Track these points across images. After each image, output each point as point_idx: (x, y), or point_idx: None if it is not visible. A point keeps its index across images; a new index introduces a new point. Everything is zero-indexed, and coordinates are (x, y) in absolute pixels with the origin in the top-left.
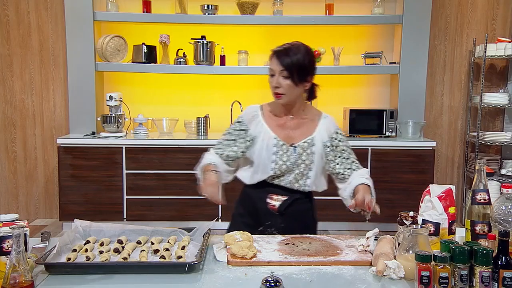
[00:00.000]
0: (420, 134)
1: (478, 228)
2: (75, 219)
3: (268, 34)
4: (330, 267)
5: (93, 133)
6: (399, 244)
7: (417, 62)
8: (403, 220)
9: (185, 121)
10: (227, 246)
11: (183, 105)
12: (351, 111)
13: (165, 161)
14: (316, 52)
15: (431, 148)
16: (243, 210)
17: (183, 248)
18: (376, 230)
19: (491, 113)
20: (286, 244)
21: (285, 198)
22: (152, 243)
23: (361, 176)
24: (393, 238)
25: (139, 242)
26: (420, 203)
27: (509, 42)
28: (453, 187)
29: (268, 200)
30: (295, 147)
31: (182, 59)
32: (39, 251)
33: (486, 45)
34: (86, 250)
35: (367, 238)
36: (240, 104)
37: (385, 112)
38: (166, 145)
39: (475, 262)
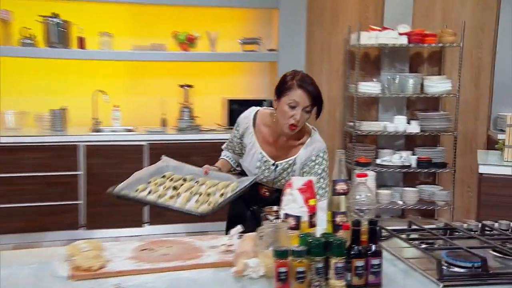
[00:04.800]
0: None
1: (338, 219)
2: (163, 156)
3: (135, 15)
4: (188, 272)
5: None
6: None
7: (295, 49)
8: (267, 215)
9: (36, 115)
10: (71, 258)
11: (33, 96)
12: (230, 101)
13: (11, 163)
14: (190, 37)
15: None
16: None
17: (221, 195)
18: (239, 227)
19: (366, 103)
20: (143, 250)
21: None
22: (206, 186)
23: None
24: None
25: (197, 182)
26: (282, 197)
27: (380, 30)
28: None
29: (260, 189)
30: (276, 165)
31: (29, 40)
32: None
33: (359, 34)
34: (156, 184)
35: (230, 237)
36: (104, 94)
37: (264, 102)
38: (12, 144)
39: (330, 253)
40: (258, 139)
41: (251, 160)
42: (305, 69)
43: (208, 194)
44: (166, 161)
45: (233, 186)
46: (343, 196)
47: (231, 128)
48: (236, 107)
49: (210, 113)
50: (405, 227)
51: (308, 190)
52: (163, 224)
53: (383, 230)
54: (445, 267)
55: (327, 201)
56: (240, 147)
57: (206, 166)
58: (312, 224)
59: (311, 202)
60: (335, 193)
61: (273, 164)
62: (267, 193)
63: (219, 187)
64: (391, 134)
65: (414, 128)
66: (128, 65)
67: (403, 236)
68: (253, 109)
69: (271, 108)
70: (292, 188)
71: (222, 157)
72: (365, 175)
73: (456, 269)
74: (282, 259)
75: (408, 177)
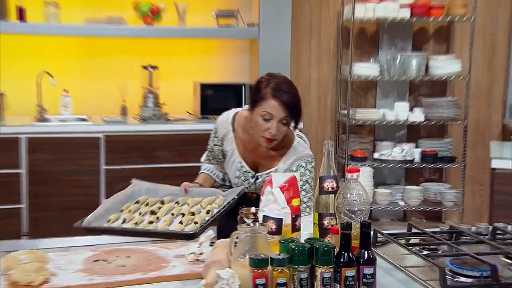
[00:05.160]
0: None
1: (326, 221)
2: (133, 179)
3: None
4: (150, 286)
5: None
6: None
7: (279, 24)
8: (244, 218)
9: None
10: (7, 272)
11: None
12: (203, 86)
13: None
14: (155, 9)
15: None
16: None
17: (207, 212)
18: (211, 233)
19: (362, 87)
20: (96, 261)
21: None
22: (188, 205)
23: None
24: None
25: (177, 203)
26: (261, 196)
27: (378, 2)
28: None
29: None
30: (257, 178)
31: None
32: None
33: (354, 6)
34: (130, 211)
35: (200, 244)
36: (51, 76)
37: (243, 86)
38: None
39: (316, 262)
40: (238, 145)
41: (231, 168)
42: (290, 48)
43: (193, 214)
44: (137, 184)
45: (220, 200)
46: (332, 195)
47: (205, 118)
48: (210, 93)
49: (179, 100)
50: (404, 231)
51: (291, 189)
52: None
53: (378, 235)
54: (449, 277)
55: (313, 205)
56: (223, 153)
57: (184, 183)
58: (295, 228)
59: (295, 202)
60: (322, 191)
61: (253, 176)
62: (254, 194)
63: (203, 204)
64: (391, 123)
65: (417, 116)
66: (79, 42)
67: (402, 241)
68: (231, 112)
69: None
70: (273, 186)
71: (202, 171)
72: (357, 170)
73: (462, 279)
74: (260, 269)
75: (411, 174)
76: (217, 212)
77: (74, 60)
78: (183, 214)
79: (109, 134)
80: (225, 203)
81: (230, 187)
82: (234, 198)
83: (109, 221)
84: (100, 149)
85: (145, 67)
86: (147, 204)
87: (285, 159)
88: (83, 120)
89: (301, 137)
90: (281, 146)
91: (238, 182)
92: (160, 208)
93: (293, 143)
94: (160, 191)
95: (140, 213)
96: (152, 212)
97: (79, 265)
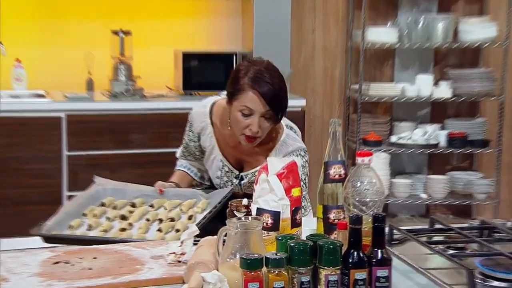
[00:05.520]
0: None
1: (332, 215)
2: (95, 176)
3: None
4: None
5: None
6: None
7: None
8: (234, 211)
9: None
10: None
11: None
12: (186, 55)
13: None
14: None
15: (299, 109)
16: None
17: (190, 218)
18: (194, 229)
19: (378, 57)
20: (56, 263)
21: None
22: (165, 208)
23: None
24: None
25: (152, 206)
26: (254, 185)
27: None
28: None
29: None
30: (241, 178)
31: None
32: None
33: None
34: (95, 216)
35: (182, 242)
36: None
37: (235, 56)
38: None
39: (320, 262)
40: (218, 141)
41: (211, 166)
42: (291, 8)
43: (172, 219)
44: (100, 183)
45: (202, 204)
46: (339, 184)
47: (188, 95)
48: (194, 64)
49: (157, 73)
50: (426, 227)
51: (290, 176)
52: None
53: (394, 231)
54: (479, 281)
55: (309, 205)
56: (200, 149)
57: (159, 183)
58: (295, 223)
59: (295, 192)
60: (327, 179)
61: (237, 176)
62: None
63: (183, 208)
64: (412, 100)
65: (444, 91)
66: (34, 1)
67: (423, 238)
68: (208, 101)
69: None
70: (268, 173)
71: (178, 167)
72: (369, 154)
73: (495, 283)
74: (254, 271)
75: (435, 161)
76: (206, 216)
77: (29, 22)
78: (161, 220)
79: (72, 114)
80: (209, 206)
81: (211, 185)
82: (221, 201)
83: (71, 227)
84: (62, 132)
85: (115, 32)
86: (114, 207)
87: (274, 155)
88: (41, 96)
89: (291, 128)
90: (268, 140)
91: (220, 182)
92: (131, 212)
93: (281, 136)
94: (128, 191)
95: (107, 218)
96: (123, 217)
97: (35, 268)
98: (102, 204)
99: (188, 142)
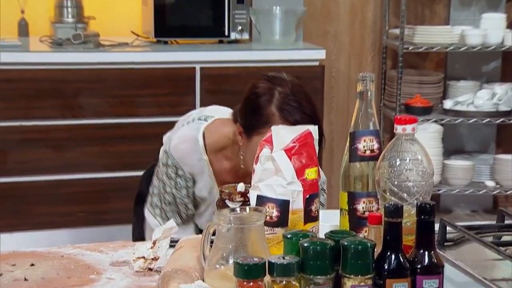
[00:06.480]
0: (297, 36)
1: (361, 205)
2: None
3: None
4: None
5: None
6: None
7: None
8: (226, 200)
9: None
10: None
11: None
12: None
13: None
14: None
15: (317, 63)
16: None
17: None
18: (172, 224)
19: None
20: None
21: None
22: None
23: None
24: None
25: None
26: (254, 165)
27: None
28: None
29: None
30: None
31: None
32: None
33: None
34: None
35: (154, 243)
36: None
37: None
38: None
39: (344, 269)
40: (214, 167)
41: (203, 214)
42: None
43: None
44: None
45: None
46: (371, 163)
47: (162, 43)
48: (170, 2)
49: (119, 13)
50: (493, 222)
51: (303, 152)
52: (27, 229)
53: (448, 228)
54: None
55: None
56: (194, 202)
57: None
58: (310, 216)
59: (310, 174)
60: (355, 156)
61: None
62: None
63: None
64: (475, 50)
65: None
66: None
67: (489, 238)
68: (194, 130)
69: (226, 117)
70: (273, 148)
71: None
72: (413, 121)
73: None
74: (253, 281)
75: (507, 136)
76: None
77: None
78: None
79: (2, 68)
80: None
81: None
82: None
83: None
84: None
85: None
86: None
87: None
88: None
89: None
90: None
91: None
92: None
93: None
94: None
95: None
96: None
97: None
98: None
99: (175, 193)
